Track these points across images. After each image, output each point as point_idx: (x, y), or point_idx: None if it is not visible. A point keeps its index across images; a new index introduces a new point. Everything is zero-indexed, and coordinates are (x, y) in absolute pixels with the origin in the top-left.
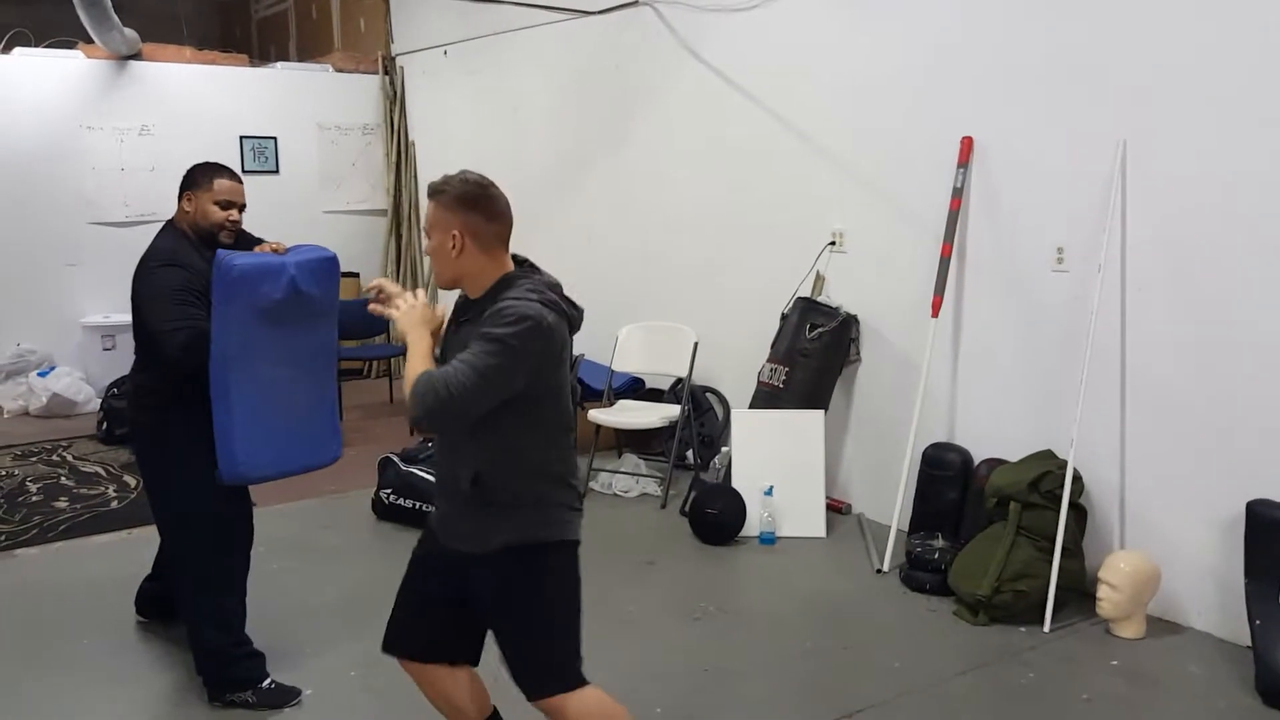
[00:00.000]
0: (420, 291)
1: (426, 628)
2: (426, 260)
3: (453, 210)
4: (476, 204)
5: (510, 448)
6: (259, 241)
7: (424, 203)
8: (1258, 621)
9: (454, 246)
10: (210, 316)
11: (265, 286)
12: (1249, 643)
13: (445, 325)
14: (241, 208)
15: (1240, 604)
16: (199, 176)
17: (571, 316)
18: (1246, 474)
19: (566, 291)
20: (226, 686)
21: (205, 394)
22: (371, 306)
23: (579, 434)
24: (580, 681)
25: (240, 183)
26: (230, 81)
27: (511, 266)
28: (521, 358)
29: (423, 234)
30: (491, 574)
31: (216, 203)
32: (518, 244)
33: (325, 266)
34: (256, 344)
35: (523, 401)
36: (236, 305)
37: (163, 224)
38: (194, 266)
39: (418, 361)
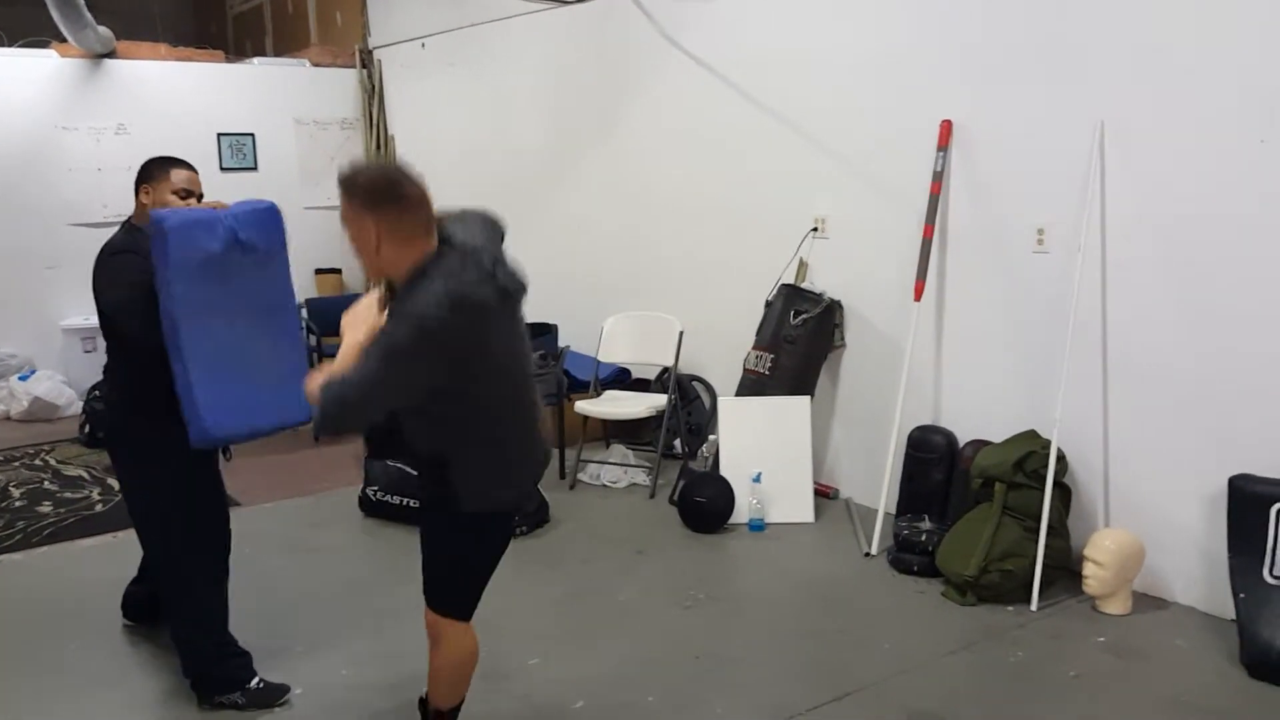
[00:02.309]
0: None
1: None
2: None
3: (364, 208)
4: (387, 199)
5: (449, 427)
6: None
7: None
8: (1241, 595)
9: (372, 242)
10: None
11: (201, 239)
12: (1233, 616)
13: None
14: (199, 197)
15: (1224, 578)
16: (155, 169)
17: (503, 288)
18: (1228, 449)
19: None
20: (214, 688)
21: (174, 390)
22: None
23: (566, 425)
24: (465, 618)
25: (196, 173)
26: (206, 78)
27: (434, 247)
28: (418, 355)
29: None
30: (426, 519)
31: (175, 192)
32: None
33: (264, 215)
34: (204, 300)
35: (456, 387)
36: (175, 262)
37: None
38: (149, 255)
39: (337, 364)
